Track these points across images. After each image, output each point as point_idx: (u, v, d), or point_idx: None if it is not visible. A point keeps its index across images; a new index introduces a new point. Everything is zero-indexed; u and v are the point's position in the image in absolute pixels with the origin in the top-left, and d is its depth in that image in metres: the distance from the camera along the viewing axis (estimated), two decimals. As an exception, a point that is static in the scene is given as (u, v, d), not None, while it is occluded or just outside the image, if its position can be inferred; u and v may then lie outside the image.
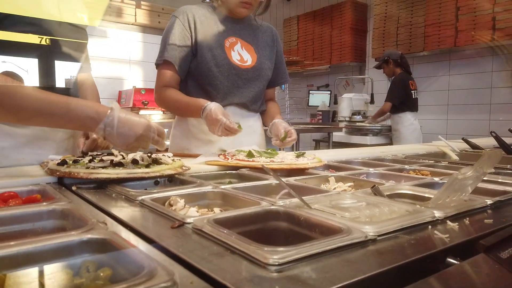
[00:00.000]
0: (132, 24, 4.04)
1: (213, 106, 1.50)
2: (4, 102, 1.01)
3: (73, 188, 0.98)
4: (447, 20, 4.96)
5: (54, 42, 1.44)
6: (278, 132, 1.65)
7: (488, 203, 0.85)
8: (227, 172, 1.30)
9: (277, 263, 0.51)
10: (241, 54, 1.72)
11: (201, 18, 1.67)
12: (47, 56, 1.42)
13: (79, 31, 1.55)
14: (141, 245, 0.57)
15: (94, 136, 1.30)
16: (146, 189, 1.08)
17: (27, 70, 1.47)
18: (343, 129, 5.10)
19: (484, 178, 1.17)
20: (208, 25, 1.67)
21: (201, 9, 1.69)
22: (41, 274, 0.54)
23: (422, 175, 1.34)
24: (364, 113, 5.20)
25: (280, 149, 1.81)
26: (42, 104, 1.04)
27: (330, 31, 6.60)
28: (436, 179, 1.17)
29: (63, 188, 0.98)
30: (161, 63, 1.65)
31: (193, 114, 1.64)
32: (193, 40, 1.65)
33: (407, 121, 4.68)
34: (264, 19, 1.88)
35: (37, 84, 1.48)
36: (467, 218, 0.76)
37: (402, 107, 4.67)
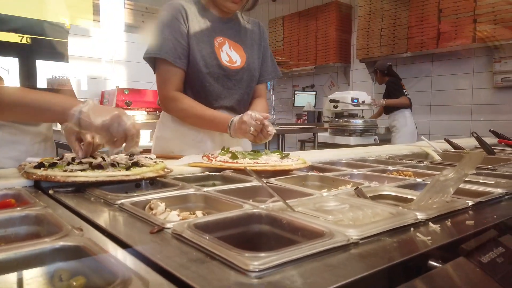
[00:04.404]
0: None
1: (237, 118, 1.52)
2: None
3: (50, 192, 0.95)
4: (430, 22, 5.04)
5: (35, 41, 1.41)
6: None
7: (470, 204, 0.86)
8: (211, 174, 1.28)
9: (257, 269, 0.50)
10: (230, 55, 1.68)
11: (191, 16, 1.61)
12: (27, 55, 1.38)
13: (60, 30, 1.52)
14: (117, 252, 0.55)
15: (89, 139, 1.22)
16: (126, 192, 1.05)
17: (8, 69, 1.43)
18: (328, 130, 5.13)
19: (465, 179, 1.19)
20: (197, 23, 1.62)
21: (191, 6, 1.63)
22: (19, 282, 0.51)
23: (405, 175, 1.35)
24: (362, 115, 5.23)
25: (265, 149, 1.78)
26: (19, 95, 1.06)
27: (315, 32, 6.63)
28: (419, 180, 1.17)
29: (40, 192, 0.95)
30: (162, 60, 1.56)
31: (214, 129, 1.65)
32: (188, 38, 1.59)
33: (407, 117, 4.95)
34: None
35: (18, 84, 1.44)
36: (449, 220, 0.76)
37: (398, 105, 4.98)
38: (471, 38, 4.65)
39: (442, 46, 4.93)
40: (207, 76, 1.61)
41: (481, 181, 1.17)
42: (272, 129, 1.49)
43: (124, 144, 1.09)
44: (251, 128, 1.44)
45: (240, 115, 1.51)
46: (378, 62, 5.39)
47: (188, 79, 1.63)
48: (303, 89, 7.12)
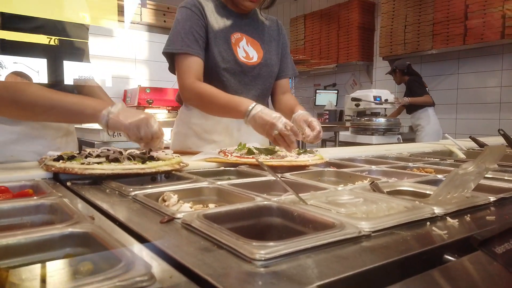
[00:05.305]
0: (137, 23, 4.04)
1: (262, 107, 1.42)
2: (17, 99, 1.11)
3: (68, 184, 0.97)
4: (456, 18, 4.89)
5: (62, 42, 1.45)
6: (300, 128, 1.52)
7: (491, 200, 0.82)
8: (226, 169, 1.28)
9: (263, 258, 0.49)
10: (247, 51, 1.69)
11: (208, 12, 1.63)
12: (55, 56, 1.42)
13: (83, 30, 1.55)
14: (126, 240, 0.55)
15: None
16: (142, 185, 1.06)
17: (38, 71, 1.47)
18: (350, 128, 5.06)
19: (489, 176, 1.15)
20: (214, 19, 1.64)
21: (208, 3, 1.65)
22: (28, 266, 0.52)
23: (426, 172, 1.31)
24: (384, 114, 5.14)
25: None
26: (53, 98, 1.15)
27: (337, 30, 6.55)
28: (440, 176, 1.14)
29: (58, 183, 0.97)
30: (179, 54, 1.58)
31: (231, 113, 1.53)
32: (206, 32, 1.60)
33: (431, 116, 4.87)
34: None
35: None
36: (468, 215, 0.73)
37: (423, 103, 4.91)
38: (499, 34, 4.48)
39: (469, 42, 4.77)
40: (224, 72, 1.61)
41: (506, 178, 1.13)
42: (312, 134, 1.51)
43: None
44: (275, 131, 1.34)
45: (273, 112, 1.41)
46: (396, 61, 5.28)
47: (205, 74, 1.64)
48: (325, 88, 7.05)
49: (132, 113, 1.14)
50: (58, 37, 1.47)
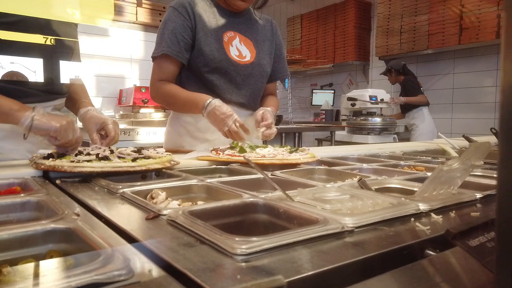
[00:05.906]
0: (133, 23, 4.04)
1: (218, 102, 1.48)
2: None
3: (57, 181, 0.97)
4: (451, 18, 4.91)
5: (58, 42, 1.44)
6: (256, 117, 1.61)
7: (478, 196, 0.83)
8: (218, 167, 1.28)
9: (244, 253, 0.49)
10: (240, 50, 1.68)
11: (199, 11, 1.62)
12: (51, 56, 1.42)
13: (74, 29, 1.55)
14: (108, 235, 0.56)
15: (113, 133, 1.33)
16: (131, 183, 1.06)
17: (35, 71, 1.47)
18: (345, 128, 5.07)
19: (478, 173, 1.15)
20: (206, 18, 1.63)
21: (200, 2, 1.65)
22: (10, 262, 0.52)
23: (417, 170, 1.31)
24: (380, 113, 5.15)
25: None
26: None
27: (334, 30, 6.56)
28: (429, 174, 1.14)
29: (47, 181, 0.97)
30: (158, 55, 1.60)
31: (192, 110, 1.59)
32: (193, 32, 1.61)
33: (425, 115, 4.88)
34: (267, 18, 1.85)
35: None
36: (454, 211, 0.73)
37: (418, 103, 4.93)
38: (494, 33, 4.50)
39: (465, 42, 4.79)
40: (215, 70, 1.61)
41: (495, 175, 1.13)
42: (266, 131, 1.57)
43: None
44: (226, 128, 1.45)
45: (224, 105, 1.49)
46: (392, 61, 5.31)
47: (195, 73, 1.64)
48: (321, 88, 7.06)
49: (57, 117, 1.15)
50: (45, 36, 1.47)
